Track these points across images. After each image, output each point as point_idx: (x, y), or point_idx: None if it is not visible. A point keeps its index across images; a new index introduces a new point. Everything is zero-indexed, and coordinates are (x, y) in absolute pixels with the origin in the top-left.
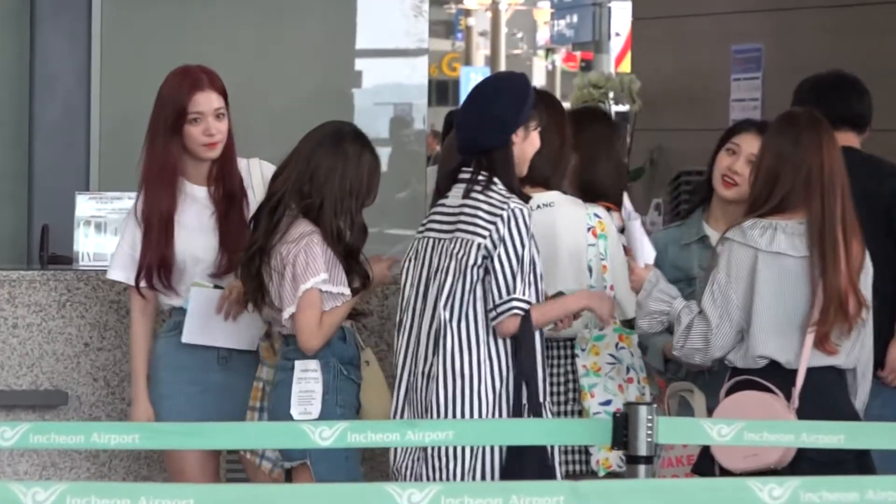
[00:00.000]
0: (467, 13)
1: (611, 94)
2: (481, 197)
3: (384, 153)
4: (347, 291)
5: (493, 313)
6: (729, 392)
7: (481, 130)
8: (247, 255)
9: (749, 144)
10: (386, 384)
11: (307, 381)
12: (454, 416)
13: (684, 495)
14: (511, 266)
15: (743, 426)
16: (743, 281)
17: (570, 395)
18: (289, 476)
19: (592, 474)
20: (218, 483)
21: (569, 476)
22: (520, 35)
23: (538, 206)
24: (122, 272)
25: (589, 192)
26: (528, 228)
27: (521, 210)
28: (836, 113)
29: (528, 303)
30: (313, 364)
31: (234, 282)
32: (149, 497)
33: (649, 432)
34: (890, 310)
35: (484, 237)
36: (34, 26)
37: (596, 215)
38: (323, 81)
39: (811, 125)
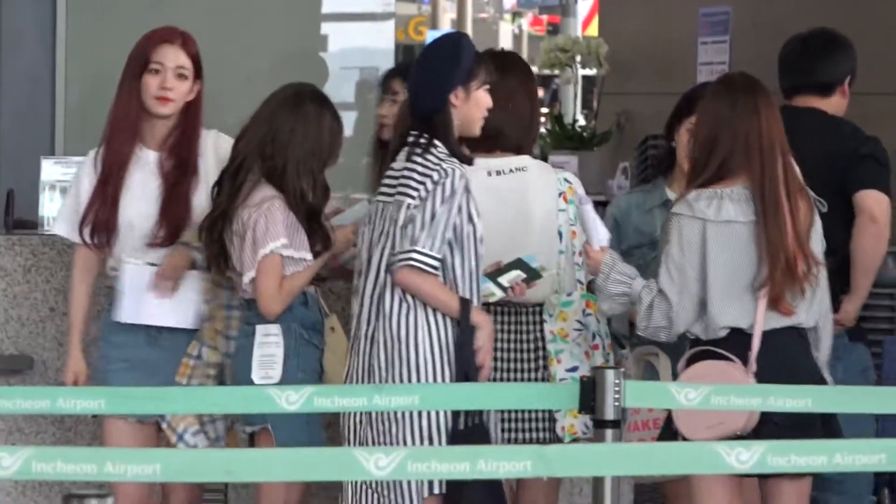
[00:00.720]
0: None
1: (578, 58)
2: (419, 160)
3: (350, 117)
4: (309, 256)
5: (394, 260)
6: (688, 363)
7: (416, 95)
8: (210, 219)
9: None
10: None
11: (268, 346)
12: (393, 380)
13: (651, 460)
14: (423, 221)
15: (710, 390)
16: (696, 253)
17: (539, 361)
18: (250, 441)
19: (558, 441)
20: None
21: (533, 443)
22: None
23: (510, 171)
24: (67, 226)
25: (488, 141)
26: (454, 190)
27: (454, 171)
28: (796, 81)
29: (431, 257)
30: (274, 328)
31: (168, 259)
32: (115, 462)
33: (616, 397)
34: (841, 268)
35: (413, 197)
36: None
37: (566, 180)
38: (289, 45)
39: (747, 89)
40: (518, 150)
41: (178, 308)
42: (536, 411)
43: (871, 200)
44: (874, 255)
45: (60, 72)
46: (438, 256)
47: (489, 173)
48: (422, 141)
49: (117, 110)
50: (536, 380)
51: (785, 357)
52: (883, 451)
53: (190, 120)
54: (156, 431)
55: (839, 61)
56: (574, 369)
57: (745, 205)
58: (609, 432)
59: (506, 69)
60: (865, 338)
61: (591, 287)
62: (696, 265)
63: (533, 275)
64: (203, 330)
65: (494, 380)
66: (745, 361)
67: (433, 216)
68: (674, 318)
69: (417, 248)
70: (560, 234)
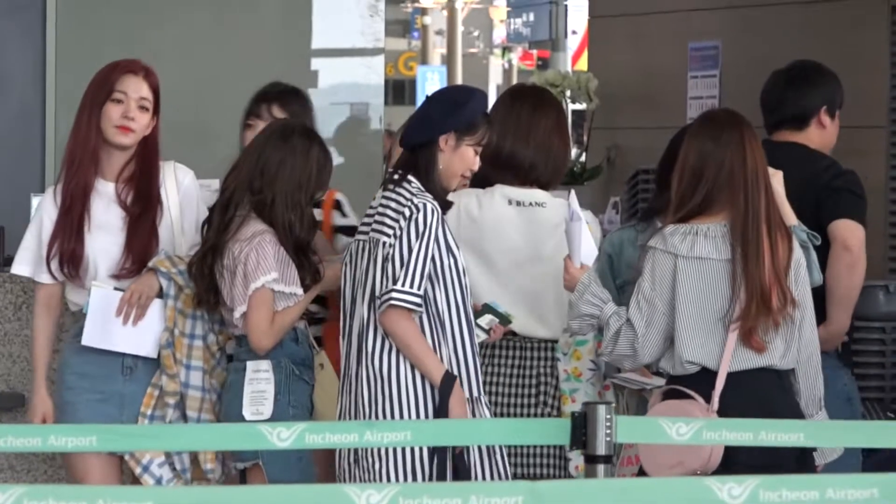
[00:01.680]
0: (423, 12)
1: (567, 93)
2: (392, 195)
3: (340, 153)
4: (300, 291)
5: (378, 303)
6: (662, 400)
7: (411, 124)
8: (199, 254)
9: None
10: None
11: (259, 382)
12: (377, 417)
13: (643, 495)
14: (401, 259)
15: (703, 424)
16: (667, 288)
17: (543, 397)
18: (242, 477)
19: (568, 478)
20: None
21: (542, 479)
22: (476, 34)
23: (529, 204)
24: (28, 266)
25: (521, 174)
26: (427, 225)
27: (425, 205)
28: (773, 115)
29: (410, 293)
30: (265, 364)
31: (134, 285)
32: (106, 499)
33: (608, 432)
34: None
35: (389, 235)
36: None
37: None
38: (278, 80)
39: (731, 123)
40: (546, 186)
41: (142, 335)
42: (546, 447)
43: (844, 229)
44: (849, 286)
45: (50, 110)
46: (418, 293)
47: (509, 202)
48: (395, 177)
49: (77, 140)
50: (540, 416)
51: (755, 397)
52: (875, 485)
53: (148, 153)
54: (118, 461)
55: (810, 93)
56: None
57: (721, 242)
58: (601, 467)
59: (542, 106)
60: (851, 365)
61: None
62: (667, 299)
63: (503, 320)
64: (162, 358)
65: (495, 414)
66: (709, 401)
67: (409, 252)
68: (638, 348)
69: (396, 287)
70: None
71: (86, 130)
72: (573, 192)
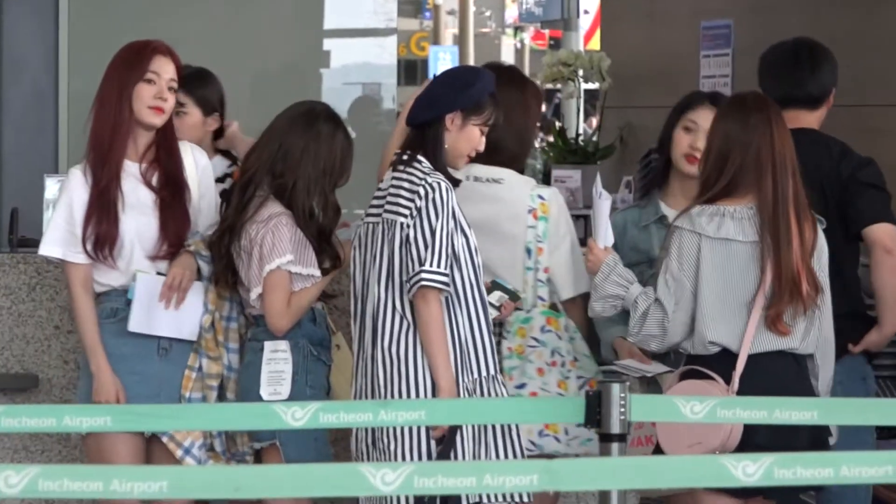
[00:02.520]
0: None
1: (580, 72)
2: (403, 175)
3: (353, 133)
4: (317, 273)
5: (408, 286)
6: (680, 380)
7: (417, 103)
8: (217, 233)
9: (705, 119)
10: None
11: (277, 362)
12: (393, 397)
13: (658, 473)
14: (423, 239)
15: (716, 403)
16: (693, 268)
17: None
18: (258, 457)
19: None
20: None
21: None
22: (488, 13)
23: (486, 180)
24: (58, 247)
25: (485, 153)
26: (444, 203)
27: (439, 184)
28: (783, 92)
29: (439, 273)
30: (283, 345)
31: (176, 269)
32: (122, 480)
33: (622, 410)
34: (852, 292)
35: (405, 216)
36: (2, 11)
37: (540, 197)
38: (291, 61)
39: (759, 106)
40: (510, 164)
41: (184, 318)
42: None
43: (883, 234)
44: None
45: (63, 91)
46: (446, 272)
47: (467, 178)
48: (404, 157)
49: (106, 121)
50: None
51: (774, 380)
52: (889, 462)
53: (169, 134)
54: (144, 442)
55: (829, 73)
56: (522, 386)
57: (748, 223)
58: (615, 446)
59: (503, 83)
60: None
61: (553, 304)
62: (693, 279)
63: (512, 296)
64: (203, 341)
65: None
66: (729, 381)
67: (432, 232)
68: (668, 327)
69: (426, 268)
70: (528, 250)
71: (117, 110)
72: (557, 193)
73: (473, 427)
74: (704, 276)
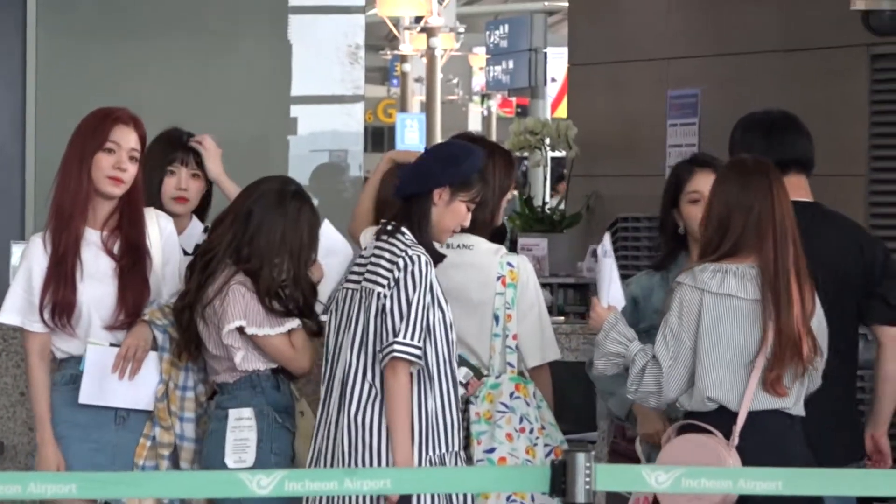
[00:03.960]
0: (403, 59)
1: (547, 140)
2: (385, 245)
3: (319, 200)
4: (282, 328)
5: (380, 356)
6: (678, 434)
7: (405, 177)
8: (179, 307)
9: (704, 184)
10: None
11: (241, 430)
12: (356, 465)
13: None
14: (399, 311)
15: (682, 472)
16: (693, 323)
17: (465, 440)
18: None
19: None
20: None
21: None
22: (455, 81)
23: (456, 246)
24: (17, 315)
25: None
26: (422, 276)
27: (419, 257)
28: (785, 156)
29: (412, 346)
30: (247, 412)
31: (130, 339)
32: None
33: (587, 479)
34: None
35: (383, 286)
36: None
37: (509, 264)
38: (258, 128)
39: (759, 170)
40: (479, 231)
41: (139, 388)
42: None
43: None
44: None
45: (30, 157)
46: (419, 345)
47: (439, 245)
48: (389, 228)
49: (67, 190)
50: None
51: (774, 438)
52: None
53: (133, 201)
54: None
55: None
56: (491, 451)
57: (749, 282)
58: None
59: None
60: None
61: (521, 371)
62: (692, 335)
63: (477, 373)
64: (157, 410)
65: None
66: (728, 437)
67: (409, 304)
68: (664, 384)
69: (398, 339)
70: (496, 316)
71: (77, 180)
72: (526, 260)
73: (433, 497)
74: (705, 332)
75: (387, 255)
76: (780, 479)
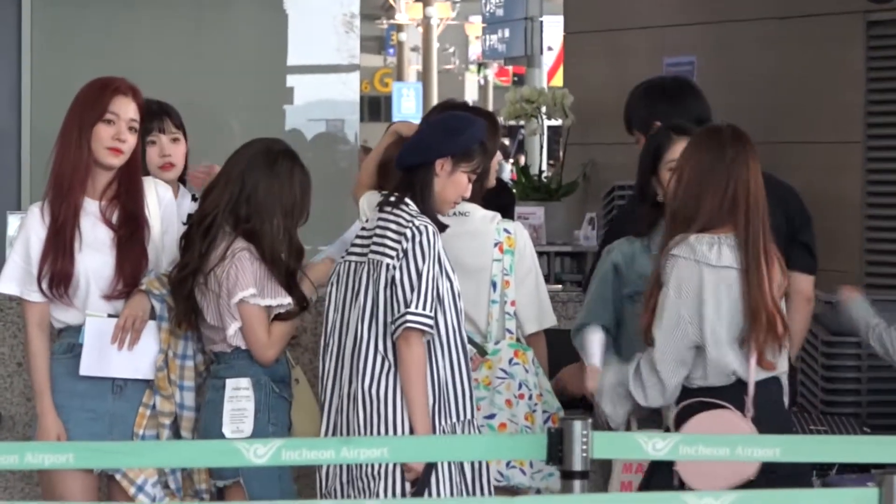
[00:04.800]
0: (399, 28)
1: (543, 109)
2: (390, 217)
3: (316, 170)
4: (286, 301)
5: (392, 328)
6: (678, 418)
7: (406, 149)
8: (179, 277)
9: None
10: (315, 402)
11: (239, 400)
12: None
13: None
14: (409, 281)
15: (679, 440)
16: (694, 298)
17: None
18: (221, 495)
19: None
20: None
21: None
22: (451, 50)
23: (453, 214)
24: (16, 284)
25: None
26: (430, 246)
27: (426, 227)
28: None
29: (425, 316)
30: (245, 382)
31: (129, 309)
32: None
33: (584, 447)
34: None
35: (391, 257)
36: None
37: (506, 230)
38: (254, 97)
39: (736, 141)
40: (471, 198)
41: (138, 358)
42: None
43: (806, 283)
44: (805, 331)
45: (26, 128)
46: (431, 314)
47: None
48: (392, 199)
49: (66, 160)
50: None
51: (770, 404)
52: (851, 499)
53: (132, 172)
54: (97, 480)
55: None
56: (491, 416)
57: (739, 251)
58: (577, 483)
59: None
60: None
61: (518, 338)
62: (694, 310)
63: (479, 350)
64: (157, 379)
65: None
66: (739, 408)
67: (419, 275)
68: (666, 395)
69: (410, 310)
70: (493, 283)
71: (76, 150)
72: (523, 228)
73: (450, 466)
74: (710, 306)
75: (393, 226)
76: (779, 447)
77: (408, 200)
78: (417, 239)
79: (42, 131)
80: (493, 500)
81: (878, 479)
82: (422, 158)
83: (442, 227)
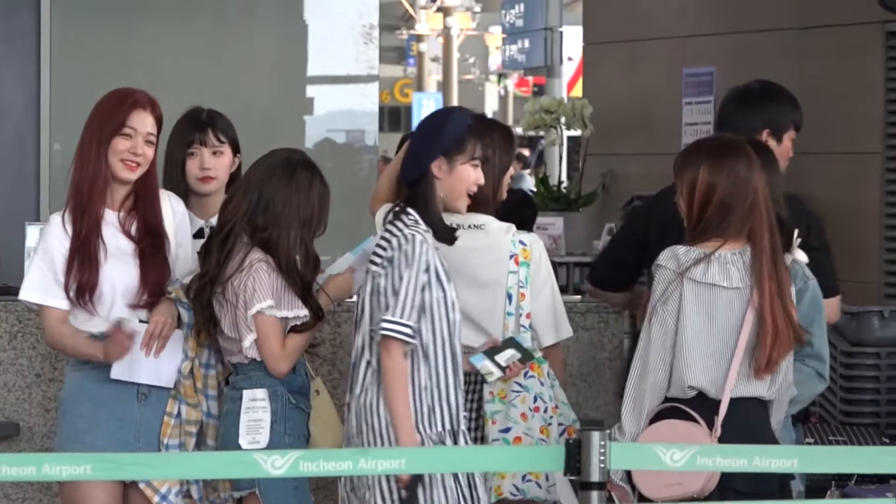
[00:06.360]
0: (419, 39)
1: (562, 119)
2: (391, 227)
3: (336, 180)
4: (303, 312)
5: (376, 336)
6: (656, 419)
7: (404, 162)
8: (198, 286)
9: None
10: (336, 414)
11: (255, 411)
12: (364, 446)
13: None
14: (392, 289)
15: (697, 451)
16: (675, 308)
17: (477, 421)
18: None
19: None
20: None
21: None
22: (472, 60)
23: (468, 227)
24: (39, 292)
25: None
26: (416, 255)
27: (413, 237)
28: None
29: (401, 324)
30: (261, 393)
31: (158, 316)
32: None
33: (602, 458)
34: None
35: (377, 265)
36: None
37: (521, 242)
38: (274, 108)
39: (746, 152)
40: (482, 208)
41: (163, 366)
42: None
43: (832, 309)
44: None
45: (45, 139)
46: (409, 323)
47: (451, 226)
48: (396, 210)
49: (86, 172)
50: (475, 440)
51: (748, 425)
52: None
53: (149, 183)
54: (121, 489)
55: (752, 115)
56: (507, 430)
57: (734, 268)
58: (594, 494)
59: (487, 133)
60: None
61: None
62: (675, 319)
63: (526, 355)
64: (182, 387)
65: None
66: (709, 425)
67: (400, 282)
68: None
69: (386, 317)
70: (509, 295)
71: (94, 162)
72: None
73: (443, 478)
74: (686, 319)
75: (387, 235)
76: (797, 457)
77: (409, 210)
78: (403, 248)
79: (61, 140)
80: None
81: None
82: (419, 169)
83: (450, 235)
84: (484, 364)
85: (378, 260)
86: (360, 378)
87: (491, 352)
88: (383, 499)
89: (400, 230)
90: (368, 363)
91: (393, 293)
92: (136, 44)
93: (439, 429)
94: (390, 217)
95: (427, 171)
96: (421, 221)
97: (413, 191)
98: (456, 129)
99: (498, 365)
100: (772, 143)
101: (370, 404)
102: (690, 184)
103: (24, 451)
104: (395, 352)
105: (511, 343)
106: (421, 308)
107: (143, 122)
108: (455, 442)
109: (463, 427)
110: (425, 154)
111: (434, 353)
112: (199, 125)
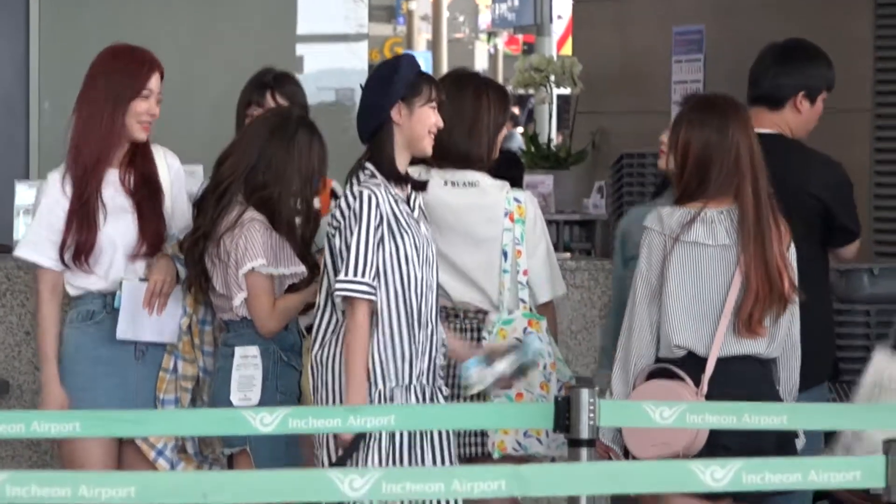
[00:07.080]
0: None
1: (552, 77)
2: (347, 188)
3: (325, 138)
4: (300, 269)
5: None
6: (646, 379)
7: (358, 122)
8: (191, 240)
9: None
10: None
11: (247, 368)
12: (319, 404)
13: (626, 478)
14: (345, 248)
15: (685, 408)
16: (660, 268)
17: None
18: (229, 462)
19: (488, 456)
20: None
21: (465, 459)
22: (461, 19)
23: (462, 184)
24: (34, 251)
25: (445, 158)
26: (364, 212)
27: (362, 193)
28: (754, 92)
29: (354, 282)
30: (253, 350)
31: (157, 274)
32: (90, 486)
33: (591, 416)
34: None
35: (331, 226)
36: None
37: (516, 199)
38: (262, 66)
39: (734, 110)
40: (466, 164)
41: (165, 322)
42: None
43: (850, 253)
44: None
45: (34, 101)
46: (361, 279)
47: (445, 183)
48: (353, 168)
49: (94, 132)
50: (473, 396)
51: (742, 384)
52: (859, 468)
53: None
54: (117, 445)
55: (790, 75)
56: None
57: (719, 228)
58: (584, 451)
59: (461, 86)
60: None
61: (532, 306)
62: (659, 280)
63: (520, 368)
64: (181, 343)
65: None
66: (697, 384)
67: (349, 240)
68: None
69: (339, 277)
70: (504, 252)
71: (109, 125)
72: (532, 197)
73: (380, 436)
74: (670, 279)
75: (344, 196)
76: (785, 414)
77: (366, 165)
78: (352, 206)
79: (50, 102)
80: (498, 468)
81: (886, 447)
82: (376, 120)
83: (413, 182)
84: (470, 374)
85: (334, 222)
86: (319, 335)
87: (491, 356)
88: (329, 457)
89: (351, 189)
90: (328, 322)
91: (345, 253)
92: (124, 6)
93: (392, 383)
94: (351, 177)
95: (385, 120)
96: (378, 174)
97: (371, 143)
98: (408, 74)
99: (488, 375)
100: (805, 104)
101: (324, 360)
102: (672, 142)
103: (13, 409)
104: (357, 311)
105: (515, 350)
106: (375, 264)
107: (157, 82)
108: (403, 398)
109: (440, 384)
110: (382, 101)
111: (387, 309)
112: (260, 86)
